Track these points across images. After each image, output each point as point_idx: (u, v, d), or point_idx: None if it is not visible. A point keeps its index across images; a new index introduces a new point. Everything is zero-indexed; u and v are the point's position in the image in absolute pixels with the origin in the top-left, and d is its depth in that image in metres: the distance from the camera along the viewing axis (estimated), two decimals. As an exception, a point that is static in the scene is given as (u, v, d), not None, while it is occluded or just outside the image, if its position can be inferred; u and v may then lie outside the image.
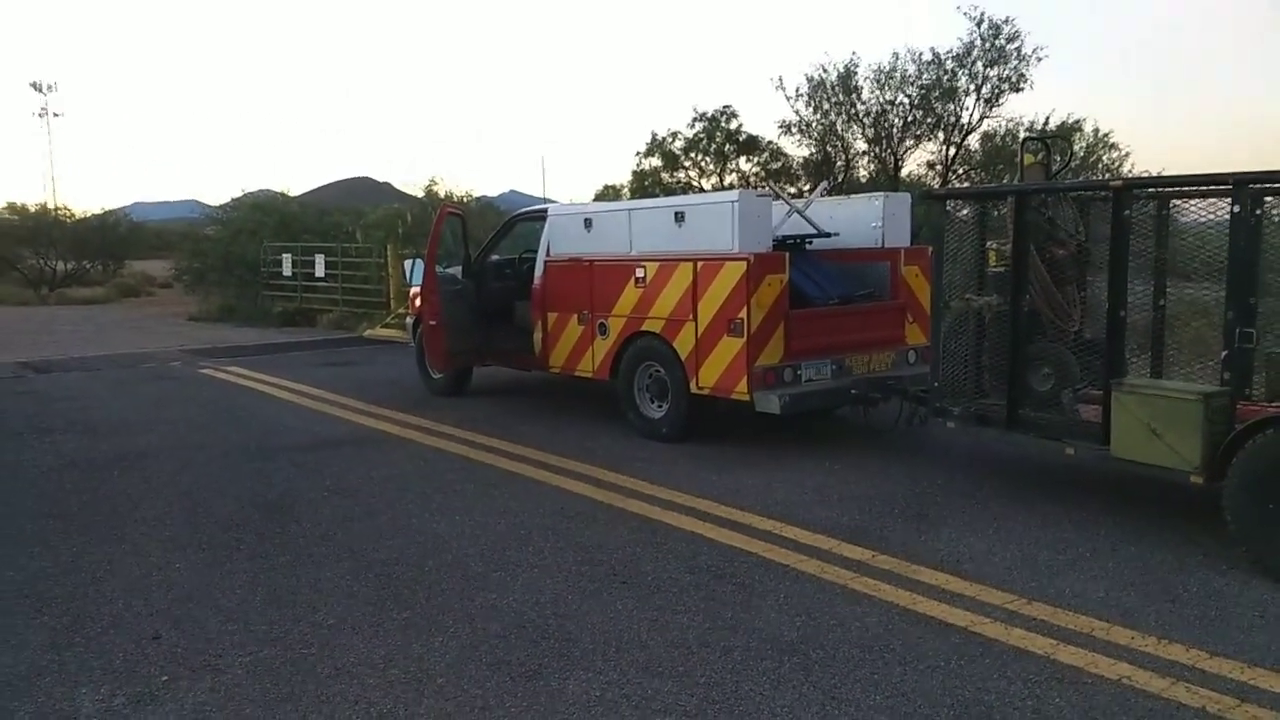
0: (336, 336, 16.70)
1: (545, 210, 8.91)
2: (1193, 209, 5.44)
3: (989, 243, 6.23)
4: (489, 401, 9.66)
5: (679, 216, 7.35)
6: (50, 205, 38.33)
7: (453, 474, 6.77)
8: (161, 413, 9.40)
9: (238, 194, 24.53)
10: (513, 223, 9.65)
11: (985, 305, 5.99)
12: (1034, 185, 5.80)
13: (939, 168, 25.77)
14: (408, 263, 9.17)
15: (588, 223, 8.18)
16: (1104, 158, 26.04)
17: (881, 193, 8.37)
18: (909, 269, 7.94)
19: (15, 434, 8.40)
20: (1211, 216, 5.35)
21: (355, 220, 20.55)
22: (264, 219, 22.28)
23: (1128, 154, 26.33)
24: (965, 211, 6.40)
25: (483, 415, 8.88)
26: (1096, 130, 25.88)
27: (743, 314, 6.83)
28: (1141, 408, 4.84)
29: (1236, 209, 4.65)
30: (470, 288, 9.36)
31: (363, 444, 7.84)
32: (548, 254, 8.63)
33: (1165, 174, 5.00)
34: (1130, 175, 5.40)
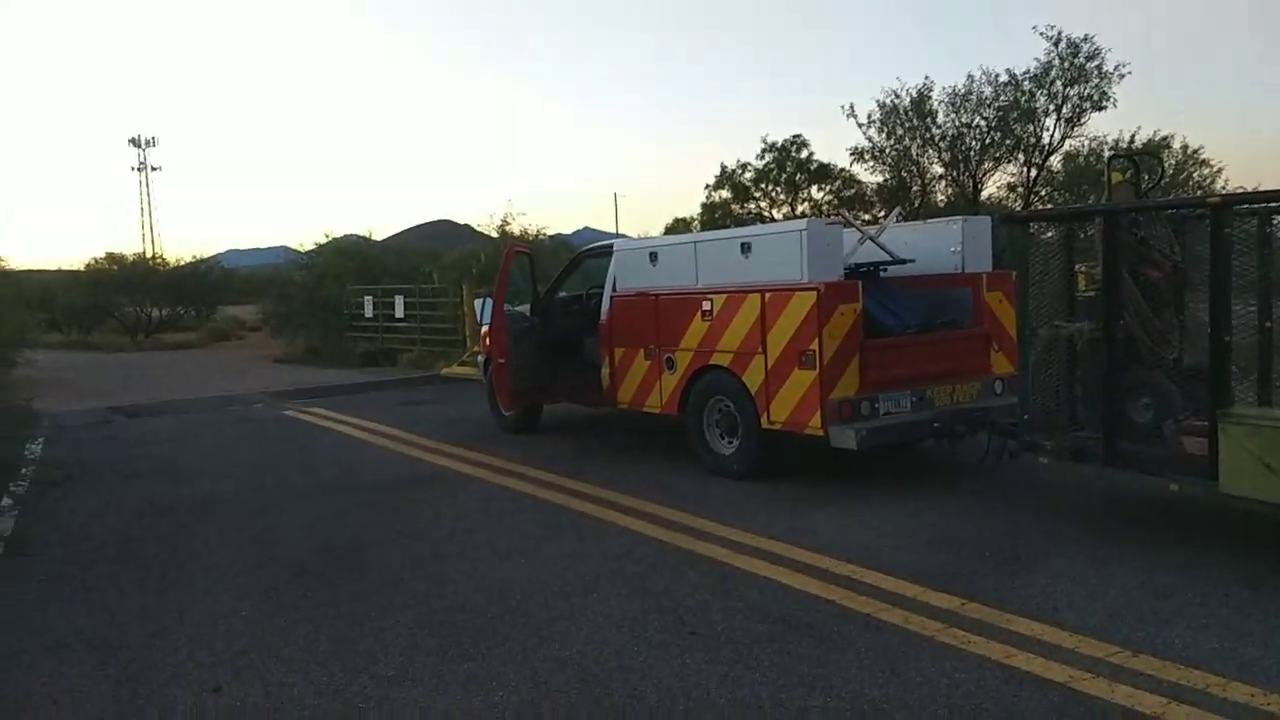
0: (415, 375, 16.91)
1: (611, 245, 8.82)
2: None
3: (1078, 266, 5.88)
4: (559, 438, 9.56)
5: (745, 248, 7.16)
6: (147, 254, 40.22)
7: (520, 514, 6.66)
8: (242, 455, 9.55)
9: (323, 239, 25.21)
10: (580, 259, 9.60)
11: (1076, 332, 5.64)
12: (1123, 205, 5.45)
13: (1020, 190, 25.04)
14: (478, 301, 9.19)
15: (653, 256, 8.05)
16: (1194, 174, 24.94)
17: (960, 216, 8.05)
18: (992, 295, 7.57)
19: (99, 478, 8.61)
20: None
21: (432, 261, 20.92)
22: (347, 262, 22.85)
23: (1220, 169, 25.17)
24: (1050, 234, 6.07)
25: (552, 452, 8.78)
26: (1185, 146, 24.82)
27: (814, 345, 6.58)
28: (1252, 439, 4.44)
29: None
30: (538, 325, 9.31)
31: (433, 483, 7.80)
32: (614, 289, 8.53)
33: (1263, 189, 4.61)
34: (1226, 191, 5.03)
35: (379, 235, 32.43)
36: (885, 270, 7.62)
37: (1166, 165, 23.19)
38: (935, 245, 7.79)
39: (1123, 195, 5.81)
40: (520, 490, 7.39)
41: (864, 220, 17.63)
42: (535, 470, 8.03)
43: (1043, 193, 25.19)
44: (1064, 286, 5.90)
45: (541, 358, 9.18)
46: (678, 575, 5.16)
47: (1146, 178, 5.96)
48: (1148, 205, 5.40)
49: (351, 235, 27.01)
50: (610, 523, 6.30)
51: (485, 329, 9.57)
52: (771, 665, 3.97)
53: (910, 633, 4.24)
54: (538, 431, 9.96)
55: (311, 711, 3.81)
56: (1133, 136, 23.56)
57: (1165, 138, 24.12)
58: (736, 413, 7.32)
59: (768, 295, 6.92)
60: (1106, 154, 22.35)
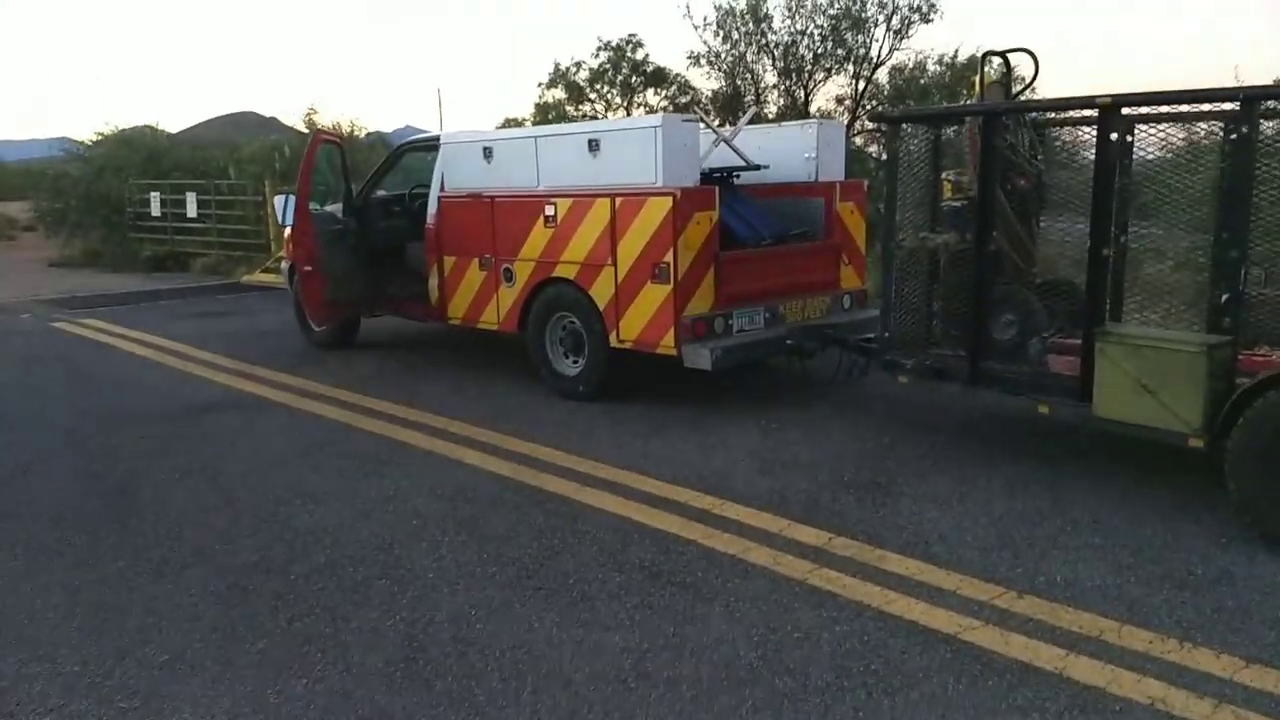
0: (211, 283, 15.18)
1: (438, 139, 7.82)
2: (1156, 134, 4.83)
3: (944, 174, 5.53)
4: (379, 357, 8.62)
5: (593, 145, 6.41)
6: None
7: (333, 446, 5.81)
8: (-5, 377, 8.09)
9: (106, 130, 22.23)
10: (401, 152, 8.49)
11: (942, 244, 5.30)
12: (1005, 105, 5.09)
13: (848, 102, 25.18)
14: (278, 199, 7.97)
15: (487, 152, 7.15)
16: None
17: (815, 120, 7.59)
18: (844, 205, 7.20)
19: None
20: (1189, 140, 4.80)
21: (229, 155, 18.78)
22: (130, 155, 20.31)
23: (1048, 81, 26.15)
24: (915, 141, 5.67)
25: (372, 373, 7.87)
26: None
27: (669, 257, 5.98)
28: (1130, 360, 4.23)
29: (1244, 129, 4.01)
30: (353, 228, 8.25)
31: (228, 411, 6.76)
32: (442, 189, 7.59)
33: (1146, 91, 4.31)
34: (1115, 93, 4.73)
35: (174, 128, 29.20)
36: (738, 176, 7.08)
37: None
38: (788, 150, 7.31)
39: (994, 96, 5.46)
40: (332, 418, 6.50)
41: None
42: (351, 394, 7.13)
43: (869, 105, 25.47)
44: (928, 195, 5.55)
45: (357, 265, 8.15)
46: (520, 517, 4.53)
47: (1019, 79, 5.63)
48: (1032, 105, 5.06)
49: (144, 127, 24.06)
50: (440, 455, 5.58)
51: (289, 231, 8.38)
52: (633, 625, 3.44)
53: (780, 576, 3.82)
54: (354, 348, 8.97)
55: (55, 715, 2.98)
56: (956, 51, 24.03)
57: (989, 52, 24.68)
58: (583, 330, 6.67)
59: (619, 200, 6.23)
60: (931, 66, 22.72)
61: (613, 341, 6.43)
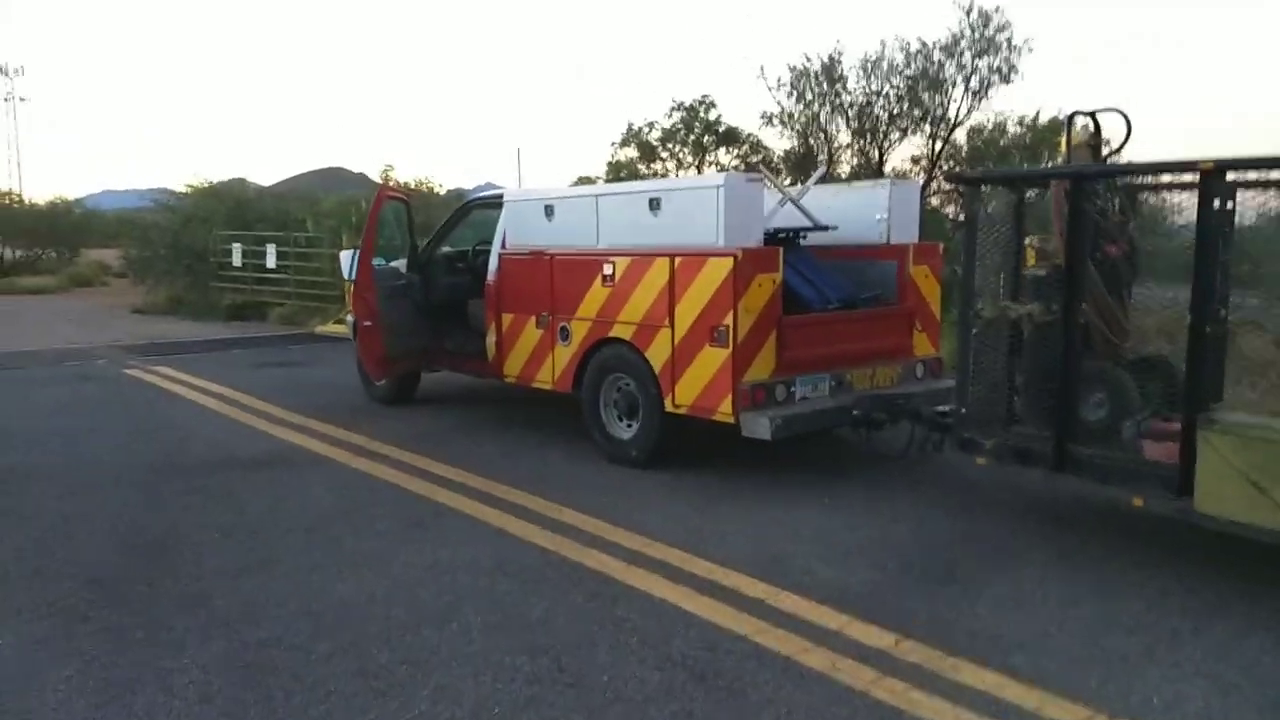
0: (285, 333, 15.44)
1: (502, 195, 7.74)
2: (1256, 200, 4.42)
3: (1028, 239, 5.17)
4: (437, 413, 8.49)
5: (654, 204, 6.22)
6: (10, 191, 36.77)
7: (377, 508, 5.62)
8: (62, 422, 8.17)
9: (198, 181, 23.06)
10: (468, 209, 8.45)
11: (1026, 316, 4.92)
12: (1094, 167, 4.73)
13: (924, 162, 24.77)
14: (345, 254, 7.97)
15: (549, 210, 7.03)
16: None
17: (887, 179, 7.28)
18: (918, 269, 6.85)
19: None
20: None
21: (309, 208, 19.22)
22: (217, 206, 20.95)
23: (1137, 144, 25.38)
24: (996, 204, 5.33)
25: (426, 430, 7.73)
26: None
27: (728, 320, 5.72)
28: (1239, 454, 3.78)
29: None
30: (416, 283, 8.19)
31: (279, 465, 6.66)
32: (503, 245, 7.48)
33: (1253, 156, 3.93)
34: (1219, 157, 4.37)
35: (265, 181, 30.17)
36: (805, 237, 6.81)
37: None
38: (859, 211, 7.01)
39: (1082, 158, 5.09)
40: (381, 477, 6.33)
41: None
42: (404, 452, 6.98)
43: (946, 166, 25.00)
44: (1010, 262, 5.20)
45: (418, 320, 8.07)
46: (560, 597, 4.24)
47: (1108, 144, 5.26)
48: (1126, 169, 4.69)
49: (232, 180, 24.91)
50: (484, 523, 5.34)
51: (353, 287, 8.37)
52: (670, 735, 3.11)
53: (840, 686, 3.43)
54: (414, 403, 8.87)
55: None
56: (1037, 113, 23.50)
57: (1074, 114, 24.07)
58: (638, 393, 6.42)
59: (678, 260, 6.00)
60: (1011, 127, 22.23)
61: (668, 406, 6.16)
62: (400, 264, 8.42)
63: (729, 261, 5.69)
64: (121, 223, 32.41)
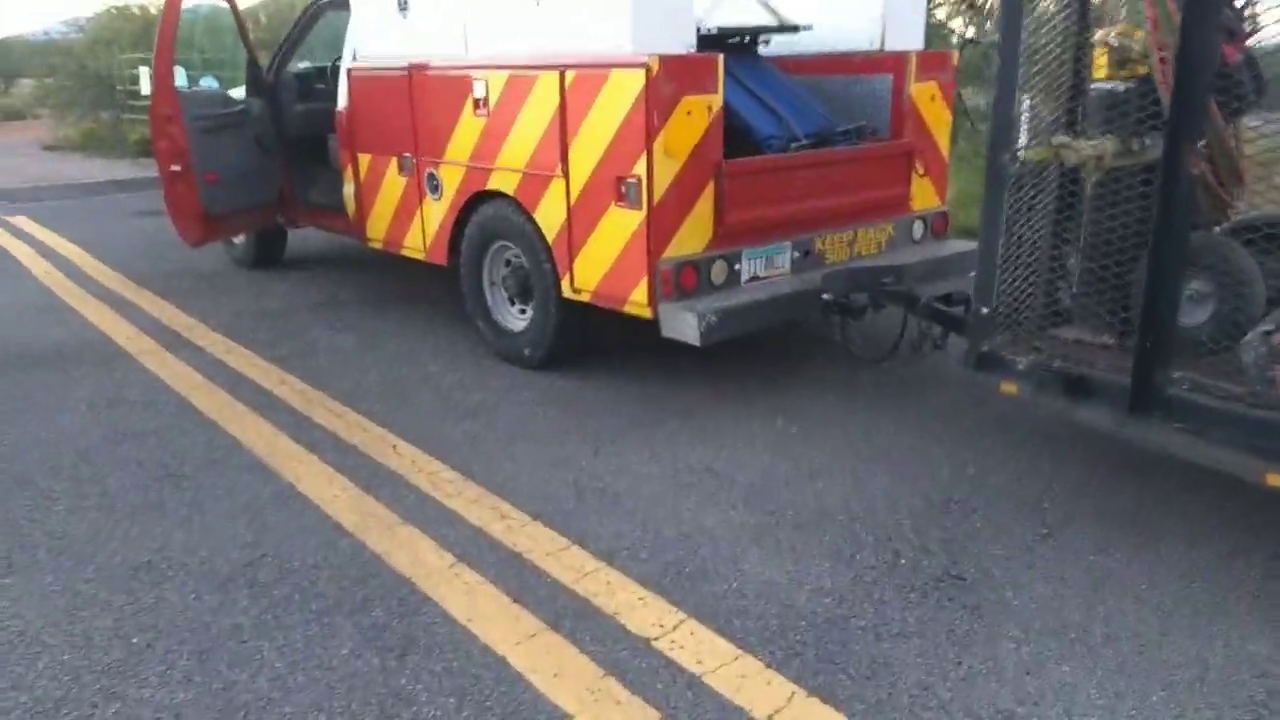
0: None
1: (356, -11, 5.63)
2: None
3: (1099, 33, 3.25)
4: (302, 282, 6.66)
5: (537, -11, 4.21)
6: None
7: (145, 439, 3.95)
8: None
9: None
10: (317, 10, 6.28)
11: (1092, 158, 3.08)
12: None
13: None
14: (143, 70, 5.99)
15: (402, 3, 4.98)
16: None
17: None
18: (921, 87, 4.89)
19: None
20: None
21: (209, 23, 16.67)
22: (124, 26, 18.42)
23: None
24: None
25: (276, 309, 5.95)
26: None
27: (639, 168, 3.85)
28: None
29: None
30: (258, 112, 6.21)
31: (54, 366, 4.95)
32: (353, 58, 5.48)
33: None
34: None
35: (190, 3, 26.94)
36: (767, 42, 4.84)
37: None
38: (842, 5, 5.00)
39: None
40: (176, 388, 4.61)
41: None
42: (230, 343, 5.25)
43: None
44: (1068, 72, 3.31)
45: (259, 163, 6.15)
46: (327, 632, 2.61)
47: None
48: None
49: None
50: (273, 471, 3.66)
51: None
52: None
53: None
54: (284, 266, 7.07)
55: None
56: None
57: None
58: (529, 267, 4.63)
59: (569, 75, 4.07)
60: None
61: (566, 290, 4.38)
62: (240, 90, 6.42)
63: (639, 76, 3.76)
64: (34, 51, 29.41)
